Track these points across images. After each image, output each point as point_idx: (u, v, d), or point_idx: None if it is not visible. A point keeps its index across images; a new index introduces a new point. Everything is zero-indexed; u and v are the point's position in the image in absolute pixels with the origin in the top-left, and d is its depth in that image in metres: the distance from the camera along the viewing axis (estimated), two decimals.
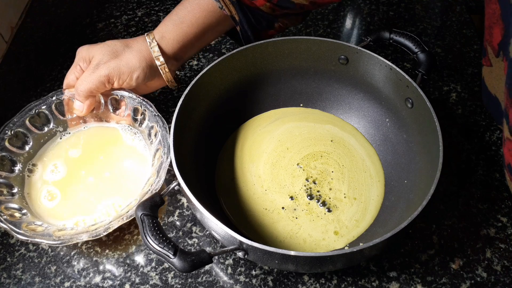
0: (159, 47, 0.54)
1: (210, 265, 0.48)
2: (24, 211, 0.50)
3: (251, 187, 0.55)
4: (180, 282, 0.49)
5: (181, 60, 0.58)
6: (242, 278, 0.50)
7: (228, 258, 0.51)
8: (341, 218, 0.52)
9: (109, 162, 0.57)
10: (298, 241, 0.51)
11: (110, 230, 0.47)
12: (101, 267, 0.51)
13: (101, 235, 0.47)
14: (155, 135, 0.55)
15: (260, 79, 0.61)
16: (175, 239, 0.53)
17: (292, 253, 0.39)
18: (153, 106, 0.56)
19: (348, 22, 0.80)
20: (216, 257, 0.51)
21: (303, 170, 0.57)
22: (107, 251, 0.52)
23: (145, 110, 0.56)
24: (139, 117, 0.57)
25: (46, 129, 0.57)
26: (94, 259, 0.51)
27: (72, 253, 0.52)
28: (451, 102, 0.66)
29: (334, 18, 0.80)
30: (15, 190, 0.52)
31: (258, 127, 0.62)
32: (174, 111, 0.49)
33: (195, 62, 0.73)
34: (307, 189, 0.55)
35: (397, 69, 0.52)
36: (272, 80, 0.61)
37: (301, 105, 0.64)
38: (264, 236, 0.51)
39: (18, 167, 0.54)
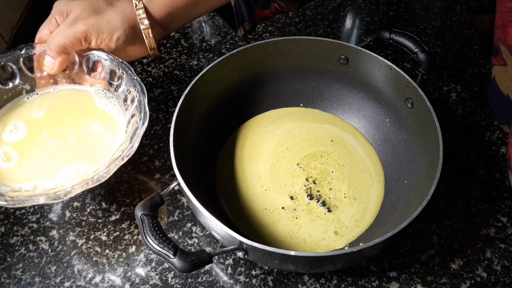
0: (146, 10, 0.51)
1: (210, 265, 0.48)
2: None
3: (251, 187, 0.55)
4: (180, 282, 0.49)
5: (166, 29, 0.55)
6: (242, 278, 0.50)
7: (228, 258, 0.51)
8: (341, 218, 0.52)
9: (76, 125, 0.53)
10: (298, 241, 0.51)
11: (72, 195, 0.44)
12: (101, 267, 0.51)
13: (61, 199, 0.44)
14: (132, 100, 0.51)
15: (260, 79, 0.61)
16: (175, 239, 0.53)
17: (292, 253, 0.39)
18: (132, 69, 0.52)
19: (348, 22, 0.80)
20: (216, 257, 0.51)
21: (303, 170, 0.57)
22: (107, 251, 0.52)
23: (123, 74, 0.52)
24: (115, 81, 0.54)
25: (10, 84, 0.53)
26: (94, 259, 0.51)
27: (72, 253, 0.52)
28: (451, 102, 0.66)
29: (334, 18, 0.80)
30: None
31: (258, 127, 0.62)
32: (174, 111, 0.49)
33: (195, 62, 0.73)
34: (307, 189, 0.55)
35: (397, 69, 0.52)
36: (272, 80, 0.61)
37: (301, 105, 0.64)
38: (264, 236, 0.51)
39: None
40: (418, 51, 0.55)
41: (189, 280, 0.49)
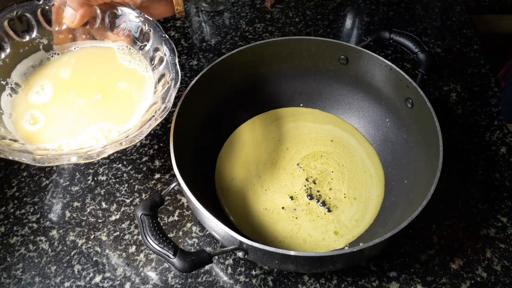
0: None
1: (210, 265, 0.48)
2: None
3: (251, 187, 0.55)
4: (180, 282, 0.49)
5: None
6: (242, 278, 0.50)
7: (228, 258, 0.51)
8: (341, 218, 0.52)
9: (102, 84, 0.50)
10: (298, 241, 0.51)
11: (105, 155, 0.42)
12: (101, 267, 0.51)
13: (93, 159, 0.42)
14: (160, 60, 0.49)
15: (260, 79, 0.61)
16: (175, 239, 0.53)
17: (292, 253, 0.39)
18: (160, 27, 0.49)
19: (348, 22, 0.80)
20: (216, 257, 0.51)
21: (303, 170, 0.57)
22: (107, 251, 0.52)
23: (150, 31, 0.49)
24: (141, 38, 0.50)
25: (27, 37, 0.50)
26: (94, 259, 0.51)
27: (72, 253, 0.52)
28: (451, 102, 0.66)
29: (334, 18, 0.80)
30: None
31: (258, 127, 0.62)
32: (174, 111, 0.49)
33: (195, 62, 0.73)
34: (307, 189, 0.55)
35: (397, 69, 0.52)
36: (272, 80, 0.61)
37: (301, 105, 0.64)
38: (264, 236, 0.51)
39: None
40: (418, 51, 0.55)
41: (189, 280, 0.49)
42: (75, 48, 0.53)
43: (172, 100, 0.45)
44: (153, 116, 0.44)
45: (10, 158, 0.40)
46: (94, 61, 0.52)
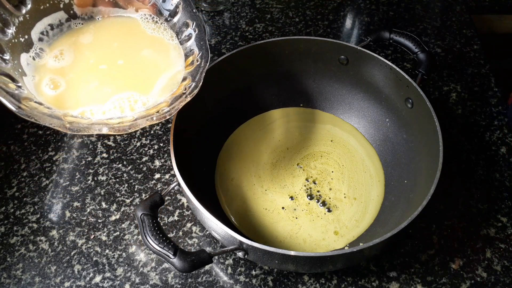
0: None
1: (210, 265, 0.48)
2: (19, 83, 0.43)
3: (251, 187, 0.55)
4: (180, 282, 0.49)
5: None
6: (242, 278, 0.50)
7: (228, 258, 0.51)
8: (341, 218, 0.52)
9: (126, 51, 0.50)
10: (298, 241, 0.51)
11: (136, 129, 0.42)
12: (101, 267, 0.51)
13: (125, 131, 0.41)
14: (188, 36, 0.48)
15: (260, 79, 0.61)
16: (175, 239, 0.53)
17: (292, 253, 0.39)
18: (191, 2, 0.48)
19: (348, 22, 0.80)
20: (216, 257, 0.51)
21: (303, 170, 0.57)
22: (107, 251, 0.52)
23: (180, 4, 0.48)
24: (169, 9, 0.49)
25: None
26: (94, 259, 0.51)
27: (72, 253, 0.52)
28: (451, 102, 0.66)
29: (334, 18, 0.80)
30: (7, 57, 0.44)
31: (258, 127, 0.62)
32: None
33: None
34: (307, 189, 0.55)
35: (397, 69, 0.52)
36: (272, 80, 0.61)
37: (301, 105, 0.64)
38: (264, 236, 0.51)
39: (11, 31, 0.46)
40: (418, 51, 0.55)
41: (189, 280, 0.49)
42: (98, 19, 0.52)
43: (202, 79, 0.44)
44: (184, 93, 0.44)
45: (40, 122, 0.39)
46: (117, 28, 0.51)
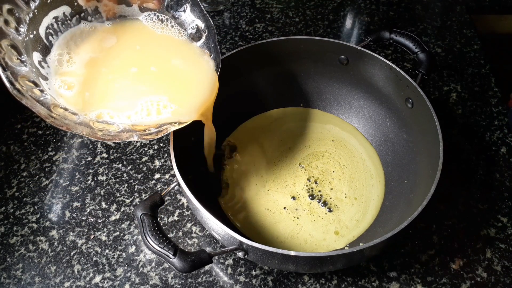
0: None
1: (210, 265, 0.48)
2: (41, 87, 0.42)
3: (253, 187, 0.55)
4: (180, 282, 0.49)
5: None
6: (242, 278, 0.50)
7: (228, 258, 0.51)
8: (342, 218, 0.52)
9: (151, 54, 0.48)
10: (299, 241, 0.51)
11: (163, 134, 0.42)
12: (101, 267, 0.50)
13: (153, 137, 0.41)
14: (198, 36, 0.47)
15: (260, 79, 0.61)
16: (175, 239, 0.53)
17: (292, 253, 0.39)
18: (200, 3, 0.46)
19: (348, 22, 0.80)
20: (216, 257, 0.51)
21: (305, 169, 0.57)
22: (107, 251, 0.52)
23: (187, 3, 0.47)
24: (176, 6, 0.48)
25: None
26: (94, 259, 0.51)
27: (72, 253, 0.52)
28: (451, 102, 0.66)
29: (334, 18, 0.80)
30: (24, 58, 0.43)
31: (258, 126, 0.62)
32: None
33: None
34: (309, 189, 0.55)
35: (397, 69, 0.52)
36: (272, 80, 0.61)
37: (301, 105, 0.64)
38: (265, 237, 0.51)
39: (23, 29, 0.44)
40: (418, 51, 0.55)
41: (189, 280, 0.49)
42: (108, 24, 0.51)
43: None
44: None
45: (72, 131, 0.39)
46: (135, 33, 0.50)
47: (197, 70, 0.48)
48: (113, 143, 0.61)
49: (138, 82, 0.46)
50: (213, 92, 0.47)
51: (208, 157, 0.54)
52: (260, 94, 0.62)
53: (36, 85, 0.42)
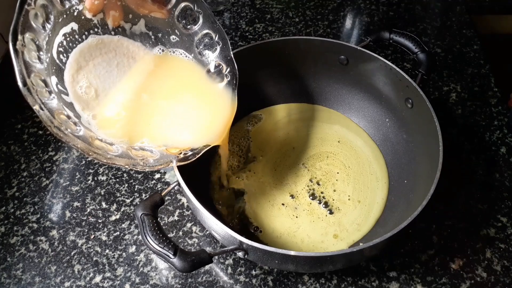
0: None
1: (210, 265, 0.48)
2: (72, 119, 0.39)
3: (252, 184, 0.55)
4: (180, 282, 0.49)
5: None
6: (242, 278, 0.50)
7: (228, 258, 0.51)
8: (343, 221, 0.52)
9: (173, 80, 0.46)
10: (296, 240, 0.51)
11: (198, 156, 0.42)
12: (101, 267, 0.51)
13: (189, 161, 0.42)
14: (210, 48, 0.45)
15: (260, 79, 0.61)
16: (175, 239, 0.53)
17: (292, 253, 0.39)
18: (211, 13, 0.44)
19: (348, 22, 0.80)
20: (216, 257, 0.51)
21: (308, 170, 0.56)
22: (107, 251, 0.52)
23: (199, 13, 0.44)
24: (187, 18, 0.45)
25: (67, 4, 0.42)
26: (94, 259, 0.51)
27: (72, 253, 0.52)
28: (451, 102, 0.66)
29: (334, 18, 0.80)
30: (50, 89, 0.40)
31: (258, 126, 0.62)
32: None
33: None
34: (310, 189, 0.55)
35: (397, 69, 0.52)
36: (272, 80, 0.61)
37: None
38: (261, 227, 0.51)
39: (43, 56, 0.40)
40: (418, 51, 0.55)
41: (189, 280, 0.49)
42: (117, 38, 0.47)
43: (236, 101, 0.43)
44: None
45: (116, 165, 0.38)
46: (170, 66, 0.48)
47: (215, 98, 0.47)
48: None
49: (170, 112, 0.46)
50: (234, 110, 0.47)
51: (223, 174, 0.55)
52: (260, 94, 0.62)
53: (69, 117, 0.39)
